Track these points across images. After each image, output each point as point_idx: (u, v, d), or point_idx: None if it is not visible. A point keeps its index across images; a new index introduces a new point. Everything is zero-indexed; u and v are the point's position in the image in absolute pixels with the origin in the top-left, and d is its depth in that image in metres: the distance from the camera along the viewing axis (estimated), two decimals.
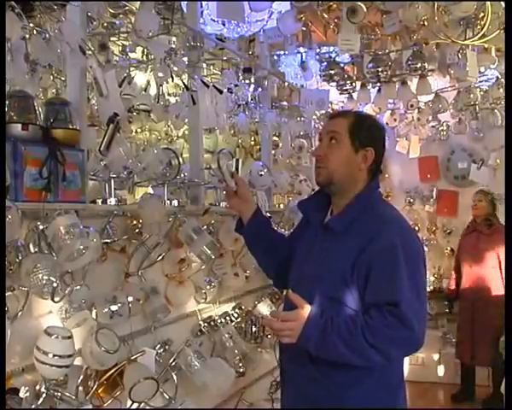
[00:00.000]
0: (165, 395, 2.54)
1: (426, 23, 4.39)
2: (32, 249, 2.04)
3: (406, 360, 4.80)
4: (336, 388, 2.16)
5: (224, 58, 4.40)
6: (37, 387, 2.02)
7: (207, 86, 3.10)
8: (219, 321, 3.08)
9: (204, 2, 3.67)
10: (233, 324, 3.16)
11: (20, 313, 1.98)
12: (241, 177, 3.19)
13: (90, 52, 2.52)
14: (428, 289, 5.92)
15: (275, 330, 2.13)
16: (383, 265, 2.08)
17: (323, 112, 5.09)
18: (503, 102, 5.40)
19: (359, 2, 3.87)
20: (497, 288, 5.51)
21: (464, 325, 5.76)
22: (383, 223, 2.17)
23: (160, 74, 3.14)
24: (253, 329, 3.26)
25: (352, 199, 2.24)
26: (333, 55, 5.26)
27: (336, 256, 2.17)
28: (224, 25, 3.79)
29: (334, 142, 2.23)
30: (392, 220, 2.21)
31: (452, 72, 5.13)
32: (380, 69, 5.03)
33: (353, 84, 5.52)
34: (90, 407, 2.20)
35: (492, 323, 5.43)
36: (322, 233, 2.28)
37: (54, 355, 1.91)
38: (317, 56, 5.15)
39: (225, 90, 3.41)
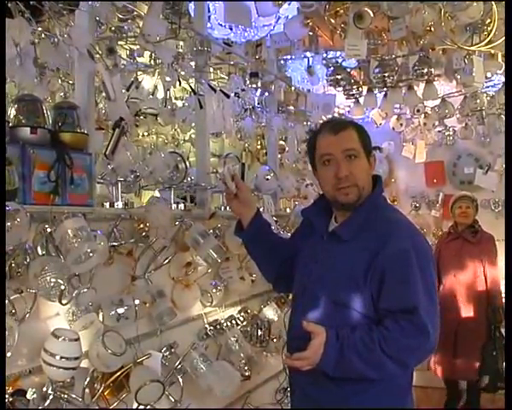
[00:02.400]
0: (170, 397, 2.55)
1: (432, 28, 4.40)
2: (39, 252, 2.05)
3: None
4: (343, 393, 2.15)
5: (231, 62, 4.41)
6: (44, 389, 2.03)
7: (214, 90, 3.11)
8: (225, 325, 3.08)
9: (211, 7, 3.68)
10: (239, 327, 3.16)
11: (27, 316, 1.99)
12: (248, 181, 3.21)
13: (97, 56, 2.54)
14: None
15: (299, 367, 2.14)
16: (397, 270, 2.07)
17: (330, 116, 5.10)
18: None
19: (366, 8, 3.87)
20: (484, 297, 5.26)
21: (446, 336, 5.11)
22: (393, 227, 2.17)
23: (168, 79, 3.16)
24: (259, 332, 3.27)
25: (357, 205, 2.23)
26: (339, 59, 5.27)
27: (346, 261, 2.17)
28: (231, 29, 3.79)
29: (353, 158, 2.19)
30: (402, 224, 2.21)
31: (459, 77, 5.14)
32: (386, 74, 5.04)
33: (360, 88, 5.52)
34: (97, 408, 2.21)
35: (477, 334, 5.21)
36: (328, 239, 2.28)
37: (61, 357, 1.93)
38: (324, 61, 5.16)
39: (232, 95, 3.42)
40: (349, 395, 2.15)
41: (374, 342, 2.03)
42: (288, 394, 3.45)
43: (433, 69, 4.99)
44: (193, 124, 4.06)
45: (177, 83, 3.32)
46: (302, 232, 2.54)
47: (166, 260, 2.70)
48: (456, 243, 5.43)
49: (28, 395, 1.97)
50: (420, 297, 2.05)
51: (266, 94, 4.27)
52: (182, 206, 2.91)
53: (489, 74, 5.07)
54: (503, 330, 5.11)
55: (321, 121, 4.98)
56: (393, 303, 2.06)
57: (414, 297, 2.04)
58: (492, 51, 4.61)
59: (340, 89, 5.43)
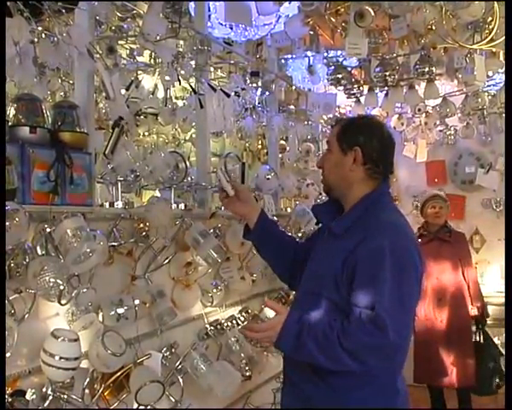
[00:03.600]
0: (171, 398, 2.55)
1: (434, 27, 4.38)
2: (39, 252, 2.04)
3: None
4: (334, 391, 2.16)
5: (232, 62, 4.40)
6: (44, 389, 2.02)
7: (214, 90, 3.10)
8: (226, 324, 3.07)
9: (212, 6, 3.68)
10: (239, 327, 3.15)
11: (26, 316, 1.99)
12: (248, 181, 3.20)
13: (97, 55, 2.53)
14: None
15: (253, 339, 2.24)
16: (367, 266, 2.07)
17: (331, 116, 5.09)
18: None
19: (367, 7, 3.86)
20: (467, 297, 5.08)
21: (436, 342, 5.08)
22: (376, 225, 2.16)
23: (167, 78, 3.15)
24: None
25: (356, 202, 2.25)
26: (340, 59, 5.26)
27: (331, 256, 2.20)
28: (231, 28, 3.78)
29: (328, 151, 2.34)
30: (387, 223, 2.19)
31: (460, 76, 5.13)
32: (387, 73, 5.02)
33: (361, 88, 5.51)
34: (96, 409, 2.20)
35: (469, 336, 5.06)
36: (327, 236, 2.31)
37: (60, 358, 1.92)
38: (325, 60, 5.15)
39: (232, 94, 3.41)
40: (341, 391, 2.15)
41: (333, 332, 2.03)
42: None
43: (434, 68, 4.97)
44: (193, 123, 4.05)
45: (178, 82, 3.31)
46: (317, 233, 2.56)
47: (166, 260, 2.69)
48: (434, 245, 5.19)
49: (28, 396, 1.96)
50: (384, 296, 2.02)
51: (267, 93, 4.26)
52: (182, 205, 2.90)
53: (490, 73, 5.06)
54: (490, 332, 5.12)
55: (321, 121, 4.99)
56: (357, 298, 2.06)
57: (376, 295, 2.02)
58: (494, 50, 4.61)
59: (341, 88, 5.42)
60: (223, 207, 3.21)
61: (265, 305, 2.14)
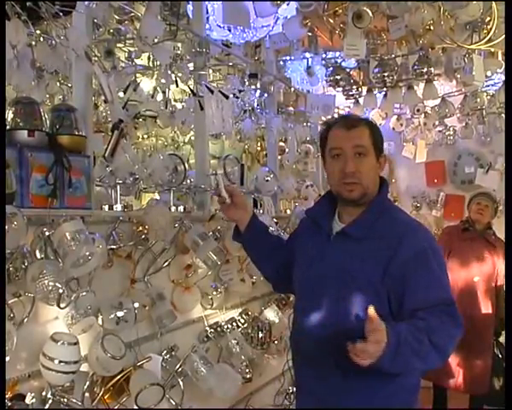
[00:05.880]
0: (171, 401, 2.54)
1: (432, 27, 4.39)
2: (37, 256, 2.04)
3: None
4: (349, 389, 2.14)
5: (230, 64, 4.40)
6: (44, 393, 2.02)
7: (212, 92, 3.10)
8: (226, 327, 3.07)
9: (210, 9, 3.68)
10: (239, 329, 3.15)
11: (26, 320, 1.98)
12: (247, 182, 3.19)
13: (95, 58, 2.53)
14: None
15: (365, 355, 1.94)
16: (421, 269, 2.10)
17: (329, 117, 5.09)
18: None
19: (365, 8, 3.86)
20: (493, 307, 4.89)
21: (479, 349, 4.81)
22: (407, 228, 2.19)
23: (163, 80, 3.15)
24: (260, 335, 3.25)
25: (367, 204, 2.23)
26: (339, 60, 5.27)
27: (358, 261, 2.16)
28: (229, 30, 3.79)
29: (362, 156, 2.19)
30: (415, 225, 2.26)
31: (459, 76, 5.14)
32: (386, 74, 5.03)
33: (359, 89, 5.52)
34: None
35: (489, 342, 4.89)
36: (336, 239, 2.26)
37: (60, 361, 1.91)
38: (323, 62, 5.16)
39: (231, 96, 3.41)
40: (355, 390, 2.13)
41: (422, 333, 2.00)
42: (289, 396, 3.45)
43: (432, 68, 4.99)
44: (192, 126, 4.05)
45: (176, 84, 3.32)
46: (302, 233, 2.52)
47: (166, 263, 2.69)
48: (478, 244, 4.98)
49: (27, 400, 1.96)
50: (443, 290, 2.12)
51: (266, 95, 4.26)
52: (181, 208, 2.90)
53: (489, 73, 5.06)
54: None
55: (320, 122, 4.99)
56: (427, 299, 2.07)
57: (446, 291, 2.13)
58: (492, 49, 4.61)
59: (340, 89, 5.43)
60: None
61: (369, 313, 1.97)
